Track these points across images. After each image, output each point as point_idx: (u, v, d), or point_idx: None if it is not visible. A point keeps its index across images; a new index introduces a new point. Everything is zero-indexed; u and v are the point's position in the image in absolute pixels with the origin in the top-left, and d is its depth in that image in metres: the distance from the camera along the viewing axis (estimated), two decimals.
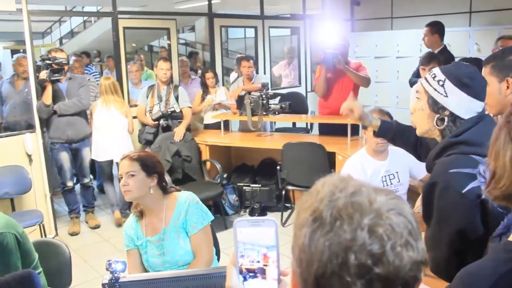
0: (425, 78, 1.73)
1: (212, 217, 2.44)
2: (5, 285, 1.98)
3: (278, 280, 0.91)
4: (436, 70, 1.70)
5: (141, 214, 2.40)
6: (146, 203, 2.36)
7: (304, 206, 0.78)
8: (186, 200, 2.36)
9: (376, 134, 2.22)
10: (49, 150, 4.89)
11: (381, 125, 2.19)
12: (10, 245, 2.21)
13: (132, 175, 2.27)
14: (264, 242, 0.89)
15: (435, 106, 1.68)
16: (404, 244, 0.70)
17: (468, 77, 1.64)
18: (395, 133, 2.17)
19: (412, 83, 5.28)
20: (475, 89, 1.64)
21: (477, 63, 3.68)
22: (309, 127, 6.79)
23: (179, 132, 5.04)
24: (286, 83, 7.62)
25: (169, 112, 5.13)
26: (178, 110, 5.17)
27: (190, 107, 5.34)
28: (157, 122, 5.15)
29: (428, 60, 4.18)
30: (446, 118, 1.66)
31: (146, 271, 2.38)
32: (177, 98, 5.23)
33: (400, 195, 3.11)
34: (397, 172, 3.15)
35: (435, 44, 5.11)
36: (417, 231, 0.74)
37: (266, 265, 0.90)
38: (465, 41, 6.45)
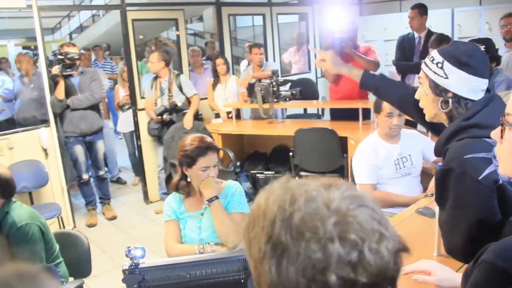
0: (425, 62, 1.70)
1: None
2: None
3: None
4: (434, 53, 1.67)
5: (188, 194, 2.50)
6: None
7: (252, 234, 0.68)
8: (235, 185, 2.53)
9: (360, 86, 2.17)
10: (64, 144, 4.96)
11: (363, 75, 2.14)
12: (35, 236, 2.29)
13: (214, 166, 2.41)
14: None
15: (437, 89, 1.65)
16: (379, 239, 0.65)
17: (466, 55, 1.61)
18: (377, 86, 2.12)
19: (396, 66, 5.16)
20: (475, 67, 1.60)
21: (487, 43, 3.67)
22: (320, 112, 6.78)
23: (187, 120, 5.04)
24: (296, 69, 7.60)
25: (172, 106, 5.12)
26: (180, 104, 5.13)
27: (197, 94, 5.29)
28: (160, 116, 5.15)
29: (438, 43, 4.13)
30: (450, 100, 1.63)
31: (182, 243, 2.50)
32: (180, 88, 5.21)
33: (414, 178, 3.13)
34: (409, 155, 3.15)
35: (422, 27, 5.02)
36: (383, 216, 0.68)
37: None
38: (476, 20, 6.38)
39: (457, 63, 1.60)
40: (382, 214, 0.68)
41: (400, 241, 0.67)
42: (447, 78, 1.62)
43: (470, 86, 1.62)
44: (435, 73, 1.64)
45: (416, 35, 5.06)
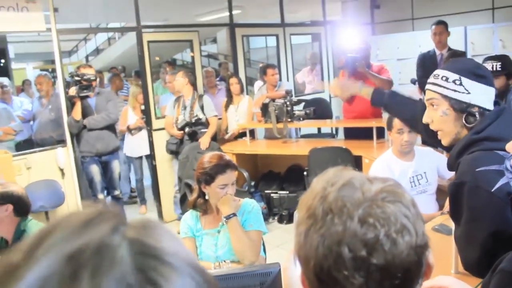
0: (435, 84, 1.69)
1: (267, 231, 2.54)
2: None
3: None
4: (444, 72, 1.67)
5: (205, 211, 2.50)
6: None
7: (302, 204, 0.80)
8: (252, 203, 2.53)
9: (371, 103, 2.26)
10: (80, 164, 5.01)
11: (373, 94, 2.21)
12: None
13: (232, 184, 2.42)
14: None
15: (461, 106, 1.63)
16: (400, 230, 0.70)
17: (478, 68, 1.66)
18: (385, 104, 2.20)
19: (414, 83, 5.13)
20: (489, 77, 1.66)
21: (503, 59, 3.66)
22: (334, 132, 6.78)
23: (204, 141, 5.08)
24: (309, 89, 7.62)
25: (193, 121, 5.17)
26: (201, 117, 5.19)
27: (216, 116, 5.36)
28: (182, 131, 5.19)
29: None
30: (477, 114, 1.63)
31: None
32: (202, 108, 5.26)
33: (429, 195, 3.10)
34: (424, 172, 3.13)
35: (446, 44, 4.98)
36: (415, 215, 0.73)
37: None
38: (489, 38, 6.37)
39: (474, 77, 1.62)
40: (416, 214, 0.74)
41: (423, 240, 0.73)
42: (469, 93, 1.62)
43: (489, 97, 1.65)
44: (455, 90, 1.63)
45: (437, 52, 5.01)
